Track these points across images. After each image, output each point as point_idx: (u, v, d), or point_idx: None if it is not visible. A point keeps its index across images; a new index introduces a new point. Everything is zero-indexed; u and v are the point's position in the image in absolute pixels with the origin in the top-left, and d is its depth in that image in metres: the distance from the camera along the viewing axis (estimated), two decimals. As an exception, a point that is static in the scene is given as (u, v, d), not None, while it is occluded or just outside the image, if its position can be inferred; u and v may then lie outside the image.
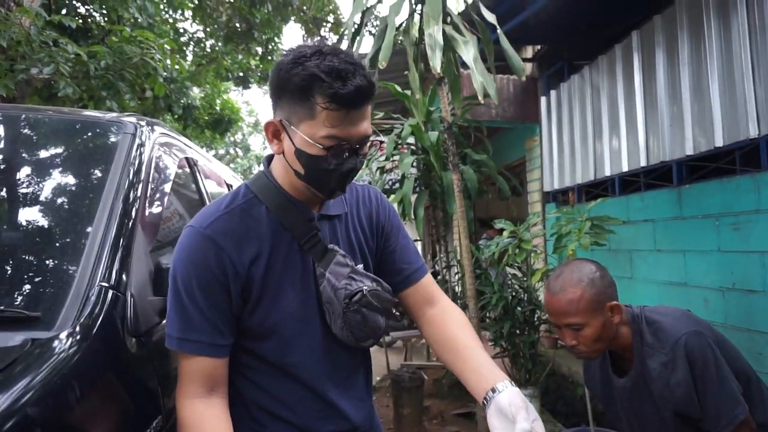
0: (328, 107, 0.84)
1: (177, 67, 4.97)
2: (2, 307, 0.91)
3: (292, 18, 9.24)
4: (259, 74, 10.23)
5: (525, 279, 3.57)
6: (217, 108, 9.85)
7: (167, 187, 1.47)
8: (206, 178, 1.95)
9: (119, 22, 5.85)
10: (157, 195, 1.38)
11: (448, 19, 2.81)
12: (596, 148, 3.85)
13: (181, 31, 9.30)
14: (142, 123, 1.46)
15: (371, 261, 1.09)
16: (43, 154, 1.35)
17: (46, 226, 1.16)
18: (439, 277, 4.65)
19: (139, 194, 1.25)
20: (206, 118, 9.57)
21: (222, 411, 0.93)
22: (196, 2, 8.59)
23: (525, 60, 4.67)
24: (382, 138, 4.57)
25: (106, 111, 2.20)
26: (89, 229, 1.10)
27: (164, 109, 6.52)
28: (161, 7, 7.89)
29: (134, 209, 1.20)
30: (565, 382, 3.74)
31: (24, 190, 1.23)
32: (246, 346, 0.98)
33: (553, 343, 4.13)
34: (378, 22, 3.17)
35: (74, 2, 6.26)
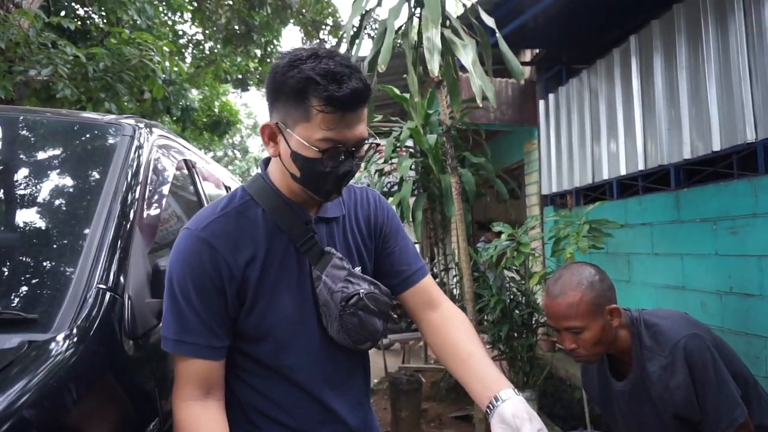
0: (323, 110, 0.84)
1: (176, 69, 4.96)
2: (-1, 309, 0.91)
3: (291, 21, 9.25)
4: (257, 76, 10.23)
5: (523, 282, 3.58)
6: (216, 110, 9.83)
7: (165, 189, 1.46)
8: (204, 180, 1.94)
9: (118, 24, 5.85)
10: (155, 197, 1.38)
11: (447, 23, 2.81)
12: (594, 151, 3.86)
13: (180, 33, 9.29)
14: (141, 125, 1.46)
15: (369, 263, 1.09)
16: (41, 155, 1.35)
17: (44, 228, 1.16)
18: (437, 280, 4.64)
19: (137, 196, 1.25)
20: (205, 120, 9.55)
21: (218, 414, 0.93)
22: (195, 5, 8.60)
23: (524, 63, 4.69)
24: (378, 141, 4.58)
25: (104, 113, 2.20)
26: (87, 231, 1.09)
27: (163, 111, 6.52)
28: (160, 9, 7.90)
29: (132, 211, 1.20)
30: (562, 385, 3.74)
31: (22, 192, 1.23)
32: (242, 348, 0.97)
33: (550, 346, 4.13)
34: (377, 26, 3.17)
35: (73, 4, 6.26)
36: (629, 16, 3.58)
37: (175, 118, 7.67)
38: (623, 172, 3.47)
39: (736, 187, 2.59)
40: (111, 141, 1.36)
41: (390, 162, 4.39)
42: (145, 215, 1.27)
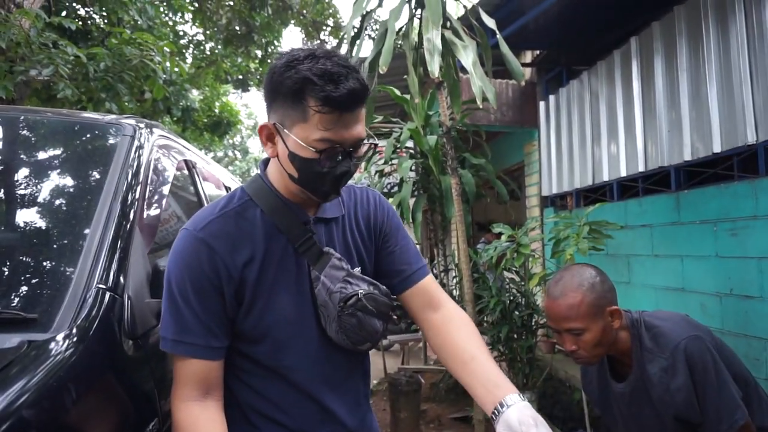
0: (320, 110, 0.84)
1: (177, 69, 4.95)
2: (-1, 309, 0.91)
3: (292, 21, 9.26)
4: (258, 77, 10.23)
5: (523, 283, 3.57)
6: (216, 110, 9.84)
7: (165, 190, 1.46)
8: (205, 180, 1.94)
9: (119, 25, 5.86)
10: (156, 197, 1.38)
11: (448, 24, 2.81)
12: (595, 153, 3.86)
13: (181, 33, 9.30)
14: (141, 125, 1.46)
15: (369, 264, 1.09)
16: (42, 155, 1.35)
17: (44, 228, 1.16)
18: (437, 281, 4.65)
19: (137, 196, 1.25)
20: (205, 120, 9.55)
21: (217, 414, 0.93)
22: (196, 5, 8.61)
23: (524, 65, 4.69)
24: (377, 141, 4.58)
25: (105, 113, 2.20)
26: (87, 231, 1.09)
27: (163, 112, 6.52)
28: (161, 9, 7.91)
29: (132, 211, 1.20)
30: (562, 386, 3.73)
31: (22, 192, 1.23)
32: (241, 348, 0.97)
33: (550, 347, 4.13)
34: (378, 26, 3.18)
35: (74, 4, 6.26)
36: (630, 18, 3.59)
37: (175, 118, 7.67)
38: (623, 173, 3.47)
39: (736, 188, 2.59)
40: (111, 141, 1.36)
41: (390, 163, 4.39)
42: (145, 215, 1.27)
